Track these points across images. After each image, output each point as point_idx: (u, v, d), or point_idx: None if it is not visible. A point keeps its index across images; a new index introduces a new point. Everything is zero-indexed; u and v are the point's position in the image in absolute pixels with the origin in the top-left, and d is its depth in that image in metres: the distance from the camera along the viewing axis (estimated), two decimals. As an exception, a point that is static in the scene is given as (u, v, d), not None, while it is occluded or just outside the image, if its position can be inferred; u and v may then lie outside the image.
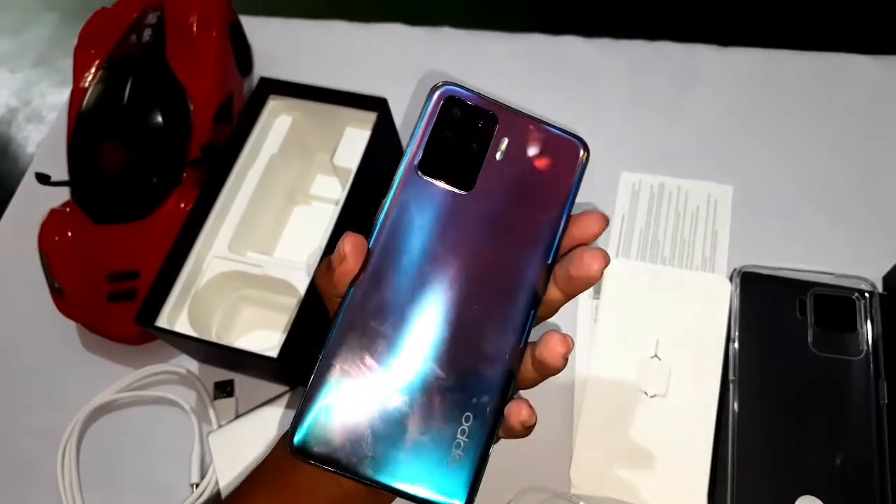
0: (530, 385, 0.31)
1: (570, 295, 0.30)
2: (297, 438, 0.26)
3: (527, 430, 0.28)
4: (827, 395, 0.45)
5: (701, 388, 0.47)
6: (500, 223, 0.29)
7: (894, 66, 0.58)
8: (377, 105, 0.52)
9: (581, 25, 0.69)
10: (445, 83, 0.29)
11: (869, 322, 0.46)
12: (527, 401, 0.28)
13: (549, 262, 0.29)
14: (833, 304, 0.47)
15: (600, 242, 0.53)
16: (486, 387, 0.28)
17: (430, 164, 0.28)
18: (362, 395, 0.27)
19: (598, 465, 0.46)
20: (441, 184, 0.28)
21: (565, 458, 0.46)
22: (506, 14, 1.44)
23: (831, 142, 0.56)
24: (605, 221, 0.30)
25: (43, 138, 0.67)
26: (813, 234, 0.52)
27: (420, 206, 0.28)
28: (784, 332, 0.47)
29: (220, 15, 0.60)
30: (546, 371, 0.29)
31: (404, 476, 0.27)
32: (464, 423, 0.27)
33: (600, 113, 0.59)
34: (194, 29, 0.59)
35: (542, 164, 0.30)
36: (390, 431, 0.27)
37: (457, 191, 0.28)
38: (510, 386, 0.28)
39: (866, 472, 0.43)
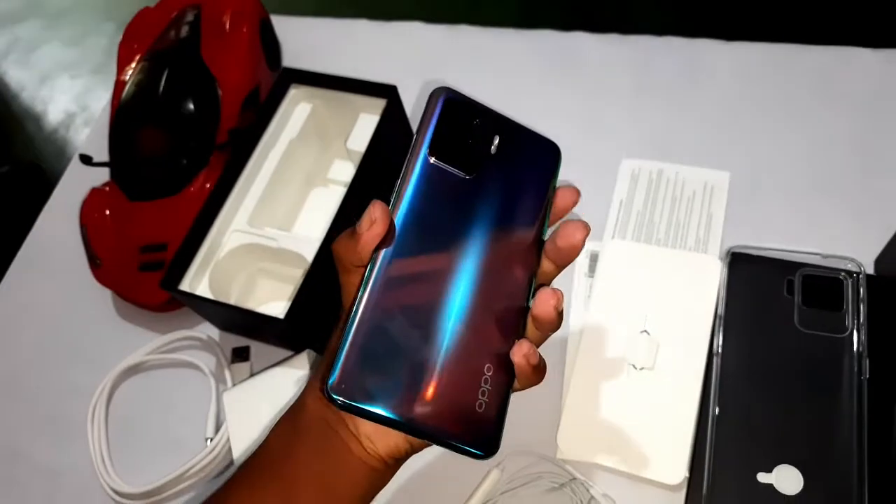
0: (536, 344, 0.33)
1: (560, 265, 0.34)
2: (333, 386, 0.28)
3: (534, 369, 0.32)
4: (810, 370, 0.46)
5: (687, 362, 0.48)
6: (499, 203, 0.33)
7: (893, 59, 0.59)
8: (387, 92, 0.56)
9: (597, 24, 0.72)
10: (445, 88, 0.34)
11: (855, 301, 0.47)
12: (527, 340, 0.31)
13: (541, 236, 0.34)
14: (821, 283, 0.48)
15: (597, 224, 0.56)
16: (500, 341, 0.32)
17: (438, 150, 0.32)
18: (395, 347, 0.29)
19: (585, 433, 0.48)
20: (448, 167, 0.32)
21: (553, 425, 0.48)
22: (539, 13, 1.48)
23: (829, 132, 0.57)
24: (577, 193, 0.35)
25: (90, 130, 0.72)
26: (807, 220, 0.54)
27: (432, 185, 0.32)
28: (771, 310, 0.48)
29: (251, 13, 0.65)
30: (544, 327, 0.33)
31: (438, 421, 0.29)
32: (486, 373, 0.31)
33: (605, 103, 0.62)
34: (227, 26, 0.64)
35: (527, 158, 0.35)
36: (421, 379, 0.29)
37: (462, 174, 0.33)
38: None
39: (845, 443, 0.43)
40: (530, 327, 0.33)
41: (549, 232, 0.34)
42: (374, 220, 0.29)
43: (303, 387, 0.36)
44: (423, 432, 0.29)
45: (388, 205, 0.31)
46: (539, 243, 0.34)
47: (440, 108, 0.33)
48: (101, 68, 1.77)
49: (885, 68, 0.58)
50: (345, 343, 0.29)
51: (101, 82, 1.75)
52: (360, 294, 0.30)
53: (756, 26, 1.34)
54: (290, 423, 0.35)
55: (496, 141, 0.34)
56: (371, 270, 0.30)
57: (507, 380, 0.31)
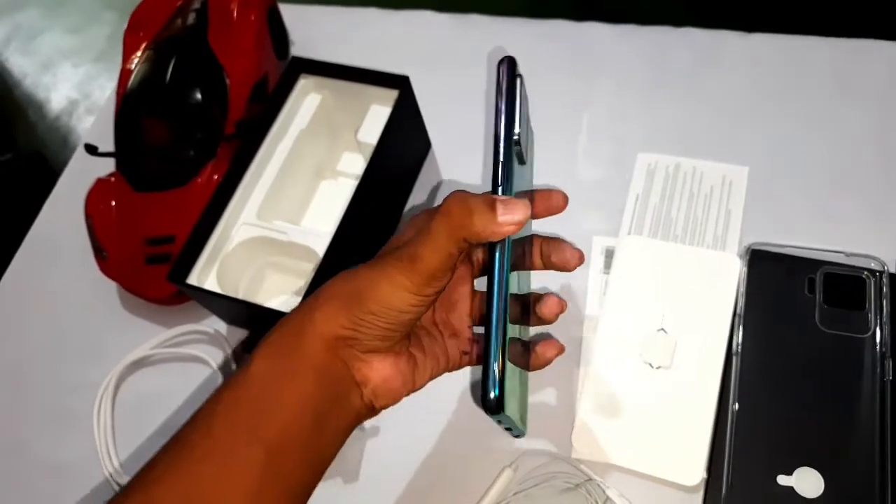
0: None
1: (547, 267, 0.38)
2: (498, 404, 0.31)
3: (550, 362, 0.39)
4: (831, 370, 0.45)
5: (705, 362, 0.47)
6: (530, 198, 0.36)
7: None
8: (399, 83, 0.54)
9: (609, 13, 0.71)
10: (509, 57, 0.35)
11: (878, 301, 0.46)
12: (553, 338, 0.38)
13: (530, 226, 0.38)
14: (843, 282, 0.47)
15: (613, 219, 0.55)
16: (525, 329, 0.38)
17: (517, 138, 0.33)
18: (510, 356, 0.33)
19: (600, 432, 0.47)
20: (516, 158, 0.33)
21: (568, 424, 0.48)
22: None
23: (849, 126, 0.56)
24: (566, 199, 0.37)
25: (95, 118, 0.71)
26: (828, 216, 0.52)
27: (514, 175, 0.33)
28: (791, 309, 0.47)
29: (259, 1, 0.63)
30: (541, 322, 0.38)
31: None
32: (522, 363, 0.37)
33: (620, 95, 0.61)
34: (235, 13, 0.62)
35: (532, 146, 0.40)
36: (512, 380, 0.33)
37: (519, 162, 0.34)
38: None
39: (867, 447, 0.43)
40: (533, 318, 0.38)
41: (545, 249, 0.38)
42: (521, 220, 0.30)
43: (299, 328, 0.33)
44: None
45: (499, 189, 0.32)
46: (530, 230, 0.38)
47: (516, 87, 0.34)
48: (103, 56, 1.76)
49: (907, 61, 0.57)
50: (499, 359, 0.31)
51: (103, 70, 1.74)
52: (497, 304, 0.31)
53: (774, 18, 1.33)
54: (279, 354, 0.32)
55: (530, 129, 0.38)
56: (498, 271, 0.31)
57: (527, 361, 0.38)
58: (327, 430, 0.32)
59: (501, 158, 0.32)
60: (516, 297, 0.34)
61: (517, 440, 0.47)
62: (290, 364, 0.31)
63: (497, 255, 0.31)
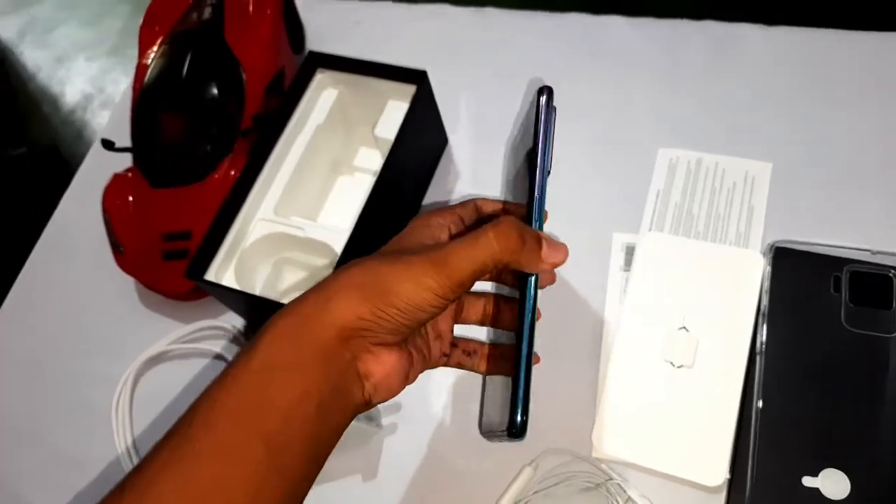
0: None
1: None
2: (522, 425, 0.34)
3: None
4: (858, 370, 0.44)
5: (728, 361, 0.47)
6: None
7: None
8: (417, 78, 0.54)
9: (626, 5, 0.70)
10: (549, 88, 0.37)
11: (905, 300, 0.45)
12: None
13: None
14: (869, 280, 0.47)
15: (634, 215, 0.54)
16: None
17: (550, 168, 0.36)
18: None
19: (621, 432, 0.46)
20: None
21: (588, 423, 0.47)
22: None
23: (874, 121, 0.55)
24: (567, 255, 0.36)
25: (111, 113, 0.71)
26: (852, 212, 0.52)
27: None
28: (816, 307, 0.46)
29: (274, -6, 0.63)
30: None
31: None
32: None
33: (640, 89, 0.60)
34: (250, 7, 0.62)
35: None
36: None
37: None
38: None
39: (894, 448, 0.42)
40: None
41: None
42: (561, 261, 0.34)
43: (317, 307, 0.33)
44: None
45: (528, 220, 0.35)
46: None
47: (553, 120, 0.36)
48: (117, 50, 1.76)
49: (936, 55, 0.56)
50: (527, 381, 0.34)
51: (117, 64, 1.74)
52: (528, 330, 0.34)
53: (794, 10, 1.31)
54: (284, 351, 0.31)
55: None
56: (533, 299, 0.35)
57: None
58: (329, 422, 0.32)
59: (537, 194, 0.35)
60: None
61: (536, 439, 0.47)
62: (297, 352, 0.31)
63: (530, 287, 0.34)
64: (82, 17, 1.84)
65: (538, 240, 0.34)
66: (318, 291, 0.33)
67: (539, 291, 0.35)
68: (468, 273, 0.32)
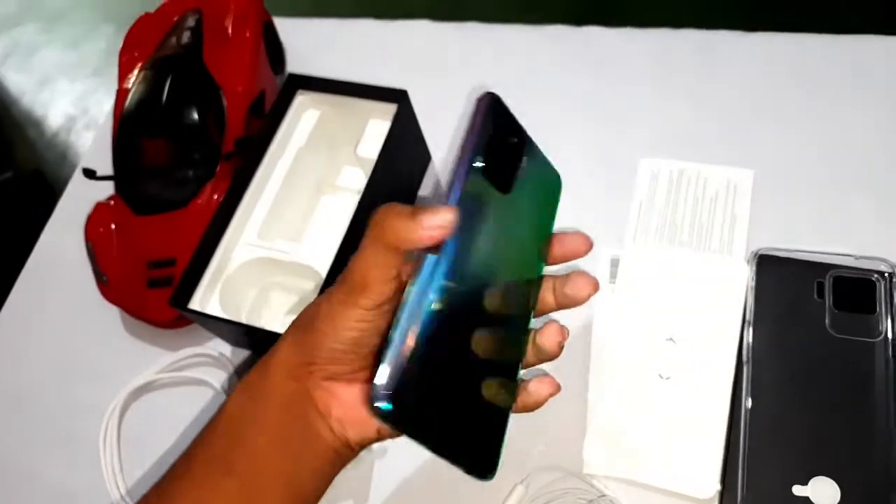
0: (530, 366, 0.35)
1: (560, 305, 0.35)
2: (391, 391, 0.27)
3: (561, 349, 0.34)
4: (844, 376, 0.44)
5: (715, 371, 0.47)
6: (520, 227, 0.34)
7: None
8: (398, 97, 0.54)
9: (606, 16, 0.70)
10: (492, 94, 0.32)
11: (889, 304, 0.46)
12: (555, 322, 0.34)
13: (541, 267, 0.35)
14: (852, 286, 0.47)
15: (617, 226, 0.54)
16: (508, 362, 0.33)
17: (487, 165, 0.31)
18: (434, 366, 0.29)
19: (611, 446, 0.46)
20: (490, 184, 0.32)
21: (579, 438, 0.47)
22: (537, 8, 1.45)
23: (855, 126, 0.55)
24: (590, 245, 0.35)
25: (93, 139, 0.71)
26: (835, 219, 0.52)
27: (474, 199, 0.31)
28: (801, 314, 0.47)
29: (254, 16, 0.63)
30: (543, 356, 0.34)
31: (448, 441, 0.29)
32: (493, 395, 0.31)
33: (621, 99, 0.60)
34: (230, 30, 0.62)
35: (542, 185, 0.36)
36: (453, 405, 0.30)
37: (498, 192, 0.32)
38: (519, 368, 0.34)
39: (883, 455, 0.42)
40: (530, 352, 0.34)
41: (555, 270, 0.35)
42: (443, 225, 0.29)
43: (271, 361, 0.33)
44: (437, 450, 0.29)
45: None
46: (540, 272, 0.35)
47: (492, 122, 0.32)
48: (100, 71, 1.76)
49: (911, 58, 0.57)
50: (396, 352, 0.28)
51: (100, 85, 1.73)
52: (410, 301, 0.29)
53: (775, 15, 1.32)
54: (248, 396, 0.33)
55: (524, 163, 0.34)
56: (429, 278, 0.29)
57: (509, 402, 0.32)
58: (304, 464, 0.32)
59: (455, 185, 0.31)
60: (500, 335, 0.33)
61: (527, 456, 0.47)
62: (257, 397, 0.32)
63: (426, 263, 0.29)
64: (64, 39, 1.83)
65: (412, 210, 0.30)
66: (275, 343, 0.34)
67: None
68: (365, 274, 0.30)
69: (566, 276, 0.35)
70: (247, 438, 0.31)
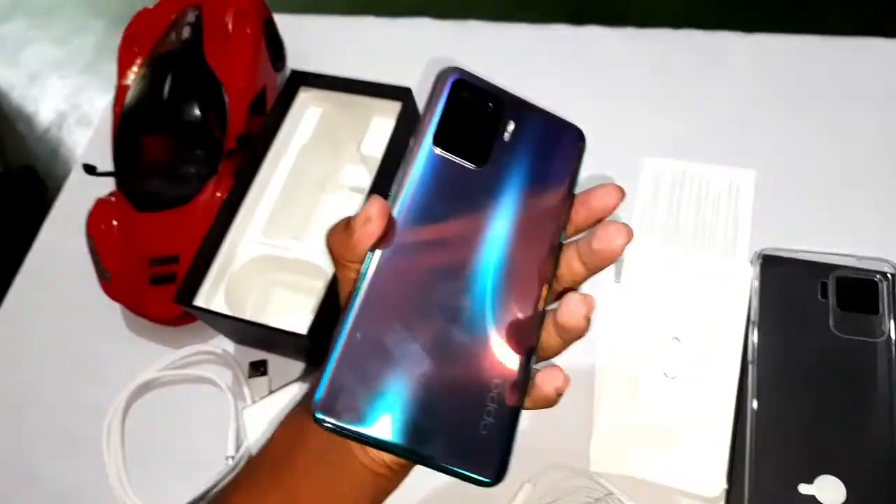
0: (554, 353, 0.30)
1: (592, 269, 0.30)
2: (319, 405, 0.25)
3: (558, 397, 0.28)
4: (848, 376, 0.45)
5: (721, 370, 0.47)
6: (513, 198, 0.30)
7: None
8: (402, 94, 0.54)
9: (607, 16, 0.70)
10: (453, 68, 0.30)
11: (892, 304, 0.46)
12: (559, 367, 0.28)
13: (559, 235, 0.30)
14: (855, 286, 0.47)
15: (622, 227, 0.54)
16: (510, 354, 0.28)
17: (445, 139, 0.29)
18: (390, 361, 0.26)
19: (618, 445, 0.47)
20: (456, 158, 0.29)
21: (585, 437, 0.47)
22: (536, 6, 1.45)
23: (857, 126, 0.55)
24: (621, 193, 0.30)
25: (90, 136, 0.70)
26: (837, 219, 0.52)
27: (437, 178, 0.28)
28: (805, 314, 0.47)
29: (254, 12, 0.63)
30: (569, 335, 0.29)
31: (435, 446, 0.26)
32: (493, 390, 0.27)
33: (623, 100, 0.60)
34: (230, 26, 0.61)
35: (546, 146, 0.31)
36: (419, 400, 0.26)
37: (471, 165, 0.29)
38: (532, 354, 0.29)
39: (887, 453, 0.42)
40: (551, 335, 0.29)
41: (586, 232, 0.30)
42: (370, 217, 0.26)
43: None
44: (420, 457, 0.26)
45: (388, 199, 0.28)
46: (558, 242, 0.30)
47: (448, 92, 0.29)
48: (91, 67, 1.74)
49: (911, 60, 0.57)
50: (333, 356, 0.25)
51: (92, 81, 1.72)
52: (351, 300, 0.26)
53: (775, 16, 1.32)
54: (292, 424, 0.33)
55: (511, 127, 0.30)
56: (365, 273, 0.27)
57: (518, 397, 0.28)
58: (342, 481, 0.32)
59: (406, 170, 0.28)
60: (492, 322, 0.29)
61: (535, 455, 0.47)
62: (302, 424, 0.33)
63: (366, 260, 0.27)
64: (53, 34, 1.81)
65: (345, 221, 0.28)
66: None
67: None
68: (341, 296, 0.29)
69: (591, 233, 0.30)
70: (290, 458, 0.32)
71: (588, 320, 0.29)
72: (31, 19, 1.85)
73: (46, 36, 1.81)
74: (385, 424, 0.25)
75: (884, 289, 0.47)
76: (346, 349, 0.26)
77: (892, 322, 0.46)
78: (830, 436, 0.44)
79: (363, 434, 0.25)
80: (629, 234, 0.28)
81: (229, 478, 0.50)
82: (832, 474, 0.42)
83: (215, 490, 0.38)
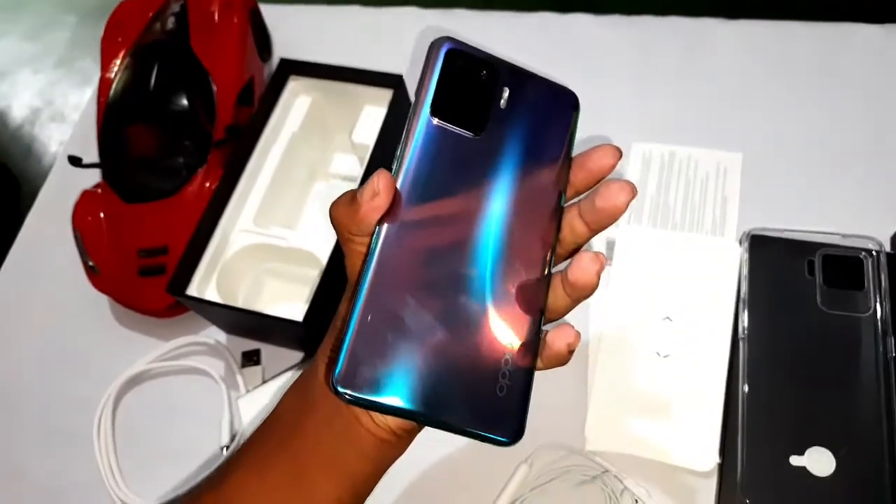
0: (562, 314, 0.31)
1: (595, 229, 0.31)
2: (340, 378, 0.25)
3: (570, 353, 0.29)
4: (836, 350, 0.46)
5: (712, 348, 0.48)
6: (513, 164, 0.30)
7: (898, 33, 0.59)
8: (393, 82, 0.54)
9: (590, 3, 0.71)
10: (446, 38, 0.30)
11: (877, 280, 0.47)
12: (569, 324, 0.29)
13: (560, 198, 0.30)
14: (841, 263, 0.48)
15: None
16: (520, 317, 0.29)
17: (442, 109, 0.29)
18: (405, 330, 0.27)
19: (613, 423, 0.47)
20: (454, 127, 0.29)
21: (580, 417, 0.48)
22: None
23: (838, 108, 0.57)
24: (618, 153, 0.30)
25: (74, 128, 0.69)
26: (821, 198, 0.54)
27: (437, 149, 0.29)
28: (793, 291, 0.48)
29: (240, 2, 0.62)
30: (579, 292, 0.30)
31: (457, 410, 0.27)
32: (506, 352, 0.28)
33: (611, 86, 0.61)
34: (216, 16, 0.61)
35: (541, 111, 0.31)
36: (436, 368, 0.27)
37: (469, 134, 0.29)
38: (542, 314, 0.29)
39: (875, 423, 0.44)
40: (558, 295, 0.30)
41: (587, 193, 0.31)
42: (377, 191, 0.27)
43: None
44: (441, 423, 0.27)
45: (395, 169, 0.28)
46: (559, 206, 0.30)
47: (441, 62, 0.30)
48: (64, 61, 1.70)
49: (889, 42, 0.58)
50: (350, 330, 0.26)
51: (65, 76, 1.68)
52: (363, 274, 0.27)
53: (759, 3, 1.33)
54: (299, 392, 0.33)
55: (506, 94, 0.30)
56: (375, 247, 0.27)
57: (531, 358, 0.28)
58: (348, 445, 0.32)
59: (405, 142, 0.29)
60: (499, 287, 0.29)
61: (530, 436, 0.47)
62: (307, 390, 0.33)
63: (374, 233, 0.27)
64: (24, 29, 1.78)
65: (352, 193, 0.28)
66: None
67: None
68: (353, 273, 0.29)
69: (593, 191, 0.30)
70: (298, 424, 0.32)
71: (599, 277, 0.29)
72: (0, 13, 1.81)
73: (17, 31, 1.77)
74: (404, 393, 0.26)
75: (868, 265, 0.48)
76: (362, 322, 0.26)
77: (877, 297, 0.47)
78: (820, 408, 0.45)
79: (384, 404, 0.26)
80: (633, 191, 0.29)
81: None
82: (822, 445, 0.43)
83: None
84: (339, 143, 0.59)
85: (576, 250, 0.31)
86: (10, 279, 0.62)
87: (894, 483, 0.42)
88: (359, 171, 0.55)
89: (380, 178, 0.27)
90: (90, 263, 0.56)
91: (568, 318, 0.37)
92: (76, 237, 0.57)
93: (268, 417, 0.34)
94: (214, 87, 0.58)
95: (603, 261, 0.29)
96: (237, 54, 0.60)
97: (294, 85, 0.57)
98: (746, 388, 0.46)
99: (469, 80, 0.30)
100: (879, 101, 0.56)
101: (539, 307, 0.29)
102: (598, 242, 0.53)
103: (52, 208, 0.63)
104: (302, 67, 0.57)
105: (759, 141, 0.56)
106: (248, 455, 0.34)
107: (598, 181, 0.31)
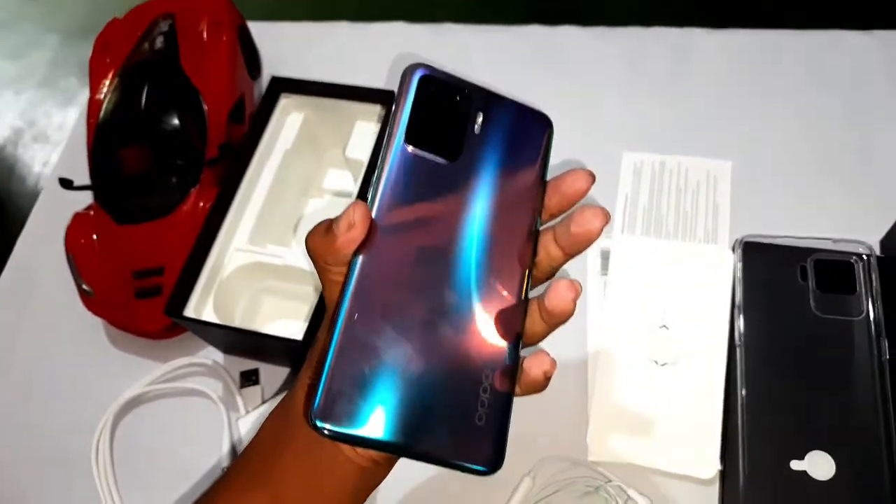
0: (539, 339, 0.31)
1: (570, 253, 0.31)
2: (318, 413, 0.25)
3: (547, 380, 0.29)
4: (830, 354, 0.47)
5: (709, 355, 0.48)
6: (489, 190, 0.30)
7: (885, 39, 0.60)
8: (385, 98, 0.54)
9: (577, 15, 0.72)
10: (418, 64, 0.30)
11: (868, 283, 0.48)
12: (545, 351, 0.29)
13: (536, 222, 0.31)
14: (833, 268, 0.49)
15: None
16: (499, 345, 0.29)
17: (417, 136, 0.29)
18: (383, 364, 0.27)
19: (614, 433, 0.47)
20: (429, 154, 0.29)
21: (582, 427, 0.48)
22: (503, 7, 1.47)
23: (825, 115, 0.58)
24: (591, 177, 0.31)
25: (63, 150, 0.69)
26: (811, 204, 0.54)
27: (413, 176, 0.29)
28: (787, 297, 0.49)
29: (229, 20, 0.62)
30: (556, 319, 0.30)
31: (436, 442, 0.26)
32: (484, 381, 0.28)
33: (600, 97, 0.62)
34: (205, 35, 0.61)
35: (515, 135, 0.32)
36: (415, 399, 0.27)
37: (444, 161, 0.29)
38: (519, 341, 0.29)
39: (872, 425, 0.44)
40: (535, 321, 0.30)
41: (561, 217, 0.31)
42: (353, 223, 0.27)
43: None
44: (421, 455, 0.27)
45: (368, 201, 0.28)
46: (534, 230, 0.31)
47: (414, 89, 0.29)
48: (47, 81, 1.69)
49: (874, 50, 0.60)
50: (327, 364, 0.26)
51: (48, 96, 1.67)
52: (340, 304, 0.27)
53: (744, 13, 1.36)
54: (279, 419, 0.33)
55: (480, 119, 0.30)
56: (351, 277, 0.27)
57: (509, 385, 0.29)
58: (328, 477, 0.32)
59: (381, 173, 0.29)
60: (476, 314, 0.29)
61: (533, 448, 0.48)
62: (288, 418, 0.32)
63: (351, 265, 0.27)
64: (5, 49, 1.76)
65: (327, 223, 0.28)
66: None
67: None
68: (327, 300, 0.30)
69: (568, 217, 0.30)
70: (277, 452, 0.32)
71: (575, 304, 0.30)
72: (-20, 35, 1.80)
73: (-2, 51, 1.76)
74: (384, 426, 0.26)
75: (860, 269, 0.49)
76: (339, 355, 0.26)
77: (869, 300, 0.48)
78: (818, 413, 0.45)
79: (363, 437, 0.26)
80: (606, 217, 0.29)
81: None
82: (821, 450, 0.44)
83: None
84: (332, 159, 0.59)
85: (552, 274, 0.32)
86: (2, 305, 0.61)
87: (894, 484, 0.43)
88: (352, 187, 0.55)
89: (355, 210, 0.27)
90: (84, 287, 0.56)
91: (565, 327, 0.37)
92: (69, 260, 0.56)
93: (248, 445, 0.34)
94: (205, 106, 0.58)
95: (578, 288, 0.29)
96: (227, 72, 0.60)
97: (286, 102, 0.57)
98: (744, 394, 0.46)
99: (443, 106, 0.30)
100: (866, 108, 0.58)
101: (517, 333, 0.29)
102: (592, 253, 0.54)
103: (42, 232, 0.62)
104: (293, 85, 0.57)
105: (747, 149, 0.57)
106: (227, 484, 0.33)
107: (573, 205, 0.31)
